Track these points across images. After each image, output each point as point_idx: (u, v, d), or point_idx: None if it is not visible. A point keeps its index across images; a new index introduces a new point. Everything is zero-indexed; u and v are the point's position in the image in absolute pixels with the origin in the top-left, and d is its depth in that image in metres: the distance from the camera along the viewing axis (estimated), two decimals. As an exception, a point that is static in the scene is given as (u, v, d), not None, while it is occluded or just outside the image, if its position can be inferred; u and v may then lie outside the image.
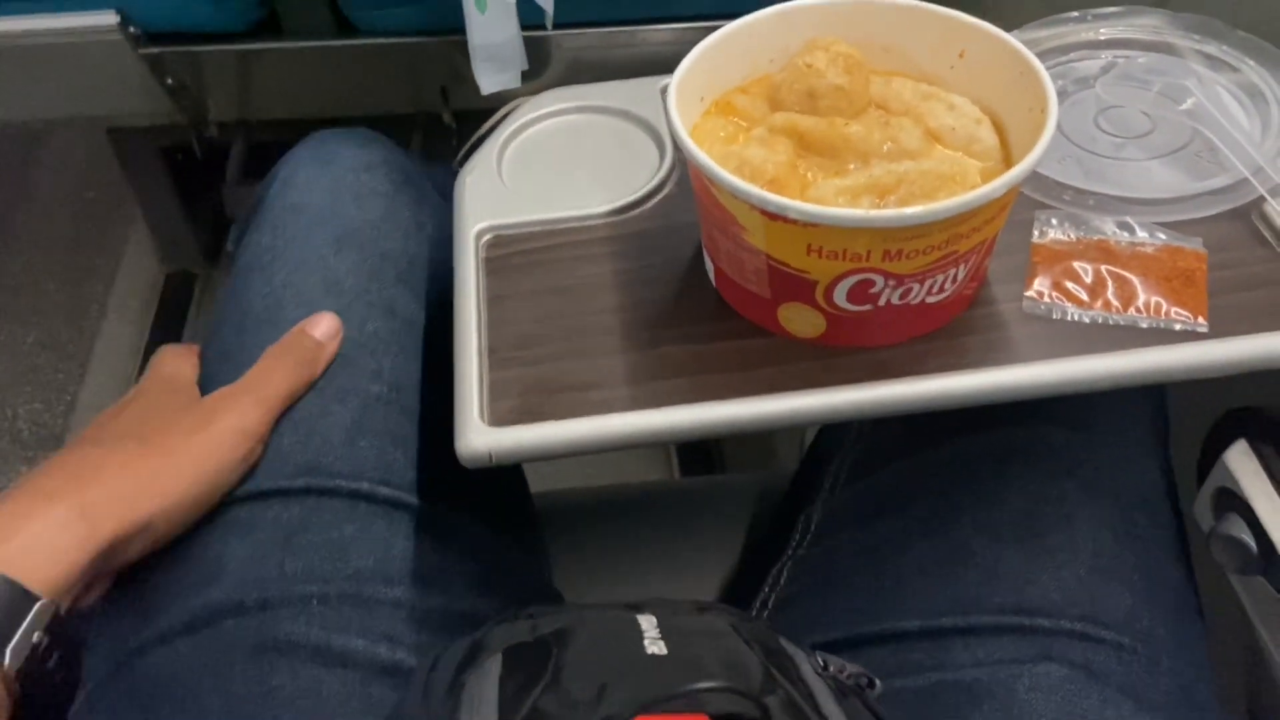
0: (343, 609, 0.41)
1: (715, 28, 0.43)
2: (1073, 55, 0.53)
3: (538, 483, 0.64)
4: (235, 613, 0.40)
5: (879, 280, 0.38)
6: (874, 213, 0.36)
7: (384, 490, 0.44)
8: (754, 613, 0.52)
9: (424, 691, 0.33)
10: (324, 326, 0.47)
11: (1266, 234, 0.44)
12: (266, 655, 0.40)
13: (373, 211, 0.52)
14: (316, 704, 0.39)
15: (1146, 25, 0.54)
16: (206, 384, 0.47)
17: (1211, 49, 0.52)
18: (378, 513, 0.44)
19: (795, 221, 0.36)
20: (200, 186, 1.13)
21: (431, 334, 0.50)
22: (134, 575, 0.42)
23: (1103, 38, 0.54)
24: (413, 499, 0.45)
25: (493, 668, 0.31)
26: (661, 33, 0.90)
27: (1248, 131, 0.47)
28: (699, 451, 1.01)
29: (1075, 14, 0.54)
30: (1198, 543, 0.47)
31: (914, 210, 0.35)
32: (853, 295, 0.39)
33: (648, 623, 0.33)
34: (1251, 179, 0.45)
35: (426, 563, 0.45)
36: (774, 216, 0.37)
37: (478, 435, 0.40)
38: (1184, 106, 0.49)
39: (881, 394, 0.40)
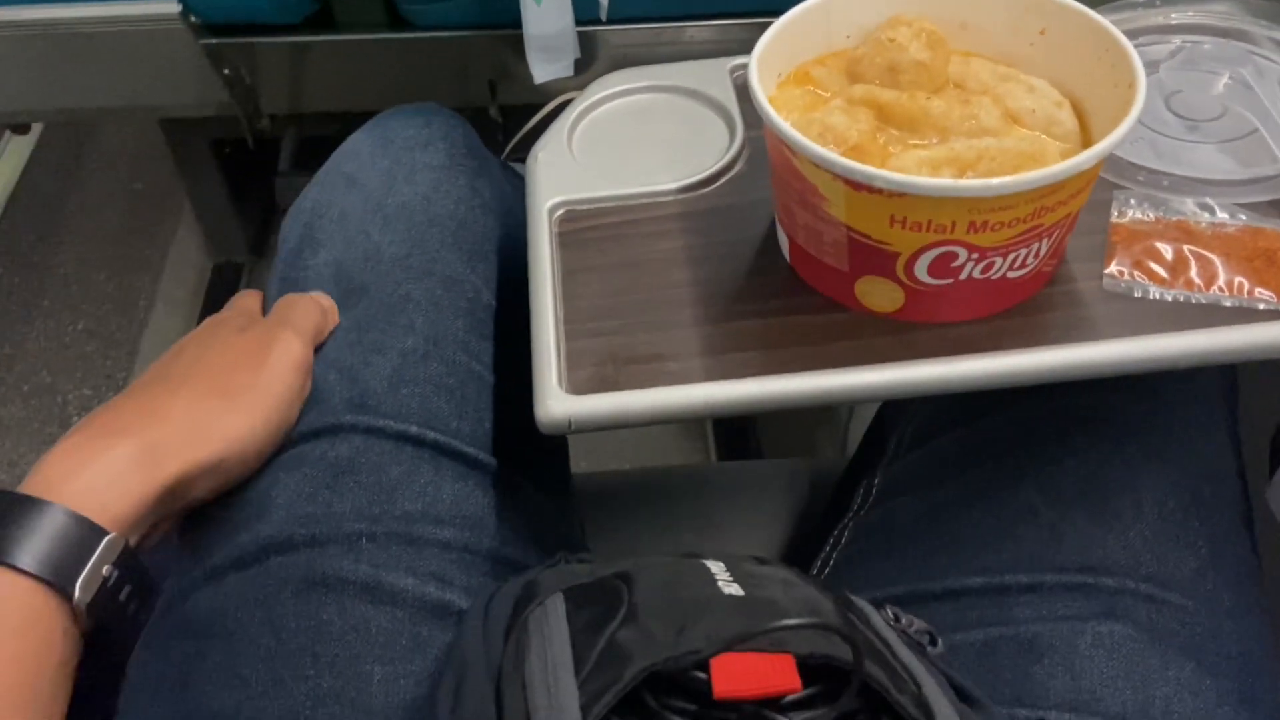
0: (391, 547, 0.41)
1: (763, 25, 0.43)
2: (1141, 40, 0.53)
3: (574, 462, 0.63)
4: (284, 549, 0.41)
5: (962, 253, 0.38)
6: (963, 182, 0.36)
7: (430, 435, 0.44)
8: (814, 572, 0.51)
9: (483, 629, 0.33)
10: (325, 298, 0.48)
11: (1350, 215, 0.43)
12: (315, 591, 0.40)
13: (425, 185, 0.53)
14: (364, 640, 0.39)
15: (1216, 10, 0.54)
16: None
17: (1281, 35, 0.52)
18: (424, 456, 0.44)
19: (881, 191, 0.36)
20: (249, 179, 1.14)
21: (479, 291, 0.51)
22: (189, 512, 0.42)
23: (1173, 22, 0.53)
24: (459, 446, 0.45)
25: (556, 605, 0.31)
26: (708, 29, 0.91)
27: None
28: (737, 438, 1.01)
29: None
30: (1268, 528, 0.46)
31: (1003, 180, 0.35)
32: (934, 268, 0.39)
33: (717, 567, 0.32)
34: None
35: (475, 508, 0.45)
36: (858, 186, 0.37)
37: (557, 403, 0.40)
38: (1238, 93, 0.48)
39: (962, 369, 0.40)
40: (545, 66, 0.81)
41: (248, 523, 0.41)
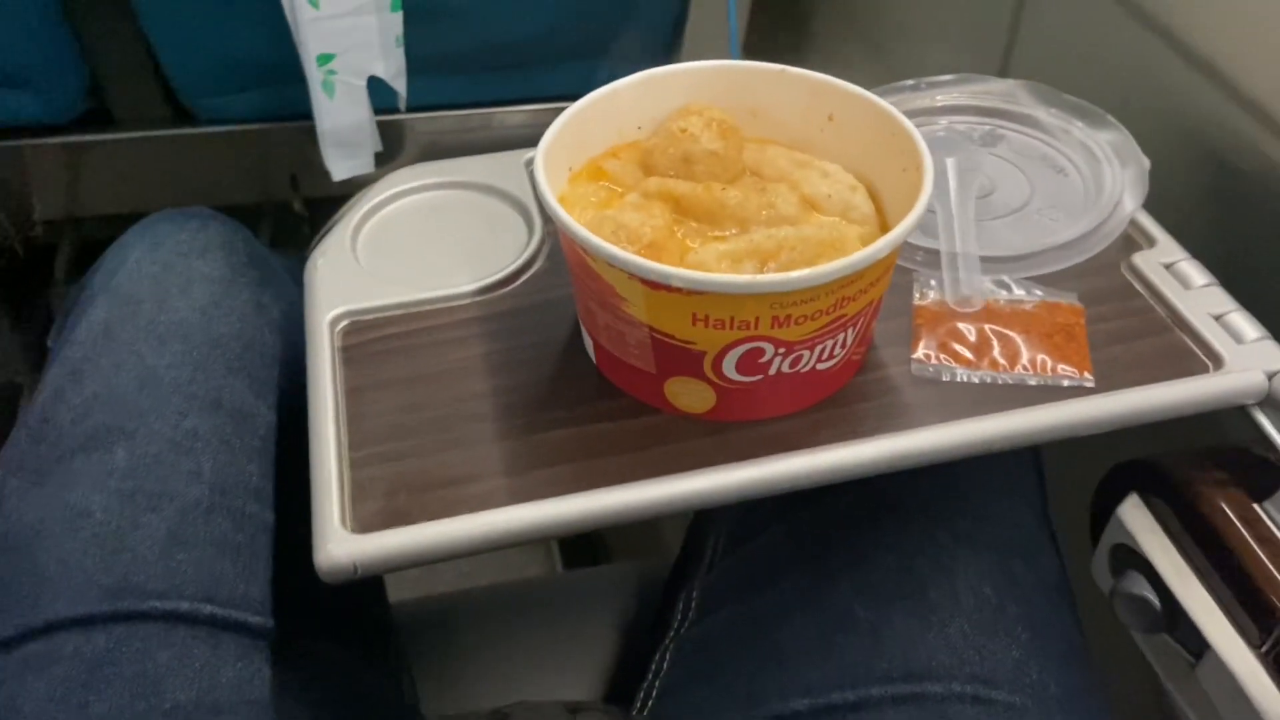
0: None
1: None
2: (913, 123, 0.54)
3: (404, 589, 0.59)
4: None
5: (769, 349, 0.36)
6: (762, 277, 0.34)
7: (207, 609, 0.39)
8: (639, 704, 0.48)
9: None
10: None
11: (1137, 285, 0.44)
12: None
13: (202, 298, 0.48)
14: None
15: (981, 92, 0.55)
16: (6, 498, 0.41)
17: (1042, 113, 0.53)
18: (200, 635, 0.39)
19: (679, 290, 0.34)
20: (24, 290, 1.05)
21: (272, 426, 0.46)
22: None
23: (939, 104, 0.54)
24: (242, 616, 0.40)
25: None
26: (518, 114, 0.89)
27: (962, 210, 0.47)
28: (581, 542, 0.97)
29: (910, 82, 0.55)
30: (1097, 600, 0.46)
31: (803, 273, 0.34)
32: (742, 366, 0.37)
33: None
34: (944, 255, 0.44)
35: (260, 690, 0.39)
36: (655, 285, 0.35)
37: (339, 545, 0.35)
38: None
39: (778, 470, 0.38)
40: (342, 164, 0.77)
41: None
